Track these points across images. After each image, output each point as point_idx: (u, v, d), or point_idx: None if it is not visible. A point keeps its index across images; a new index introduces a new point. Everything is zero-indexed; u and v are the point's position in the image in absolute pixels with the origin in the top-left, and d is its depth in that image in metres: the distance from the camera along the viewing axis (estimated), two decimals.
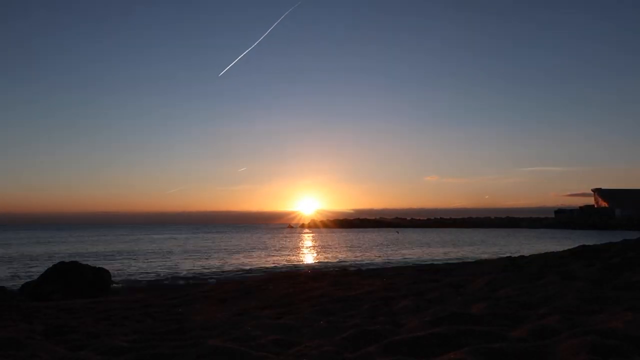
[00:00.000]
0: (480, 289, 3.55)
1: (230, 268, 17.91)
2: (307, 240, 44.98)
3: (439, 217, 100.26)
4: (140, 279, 14.15)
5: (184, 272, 16.18)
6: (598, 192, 78.52)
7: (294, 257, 24.12)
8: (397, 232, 45.78)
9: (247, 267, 18.05)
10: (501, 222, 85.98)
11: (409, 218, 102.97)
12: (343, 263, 18.75)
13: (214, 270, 17.01)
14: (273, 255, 24.69)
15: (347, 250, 27.68)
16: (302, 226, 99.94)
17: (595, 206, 79.95)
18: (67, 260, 9.02)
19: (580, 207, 79.76)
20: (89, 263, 10.10)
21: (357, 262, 19.24)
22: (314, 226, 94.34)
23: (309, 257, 24.39)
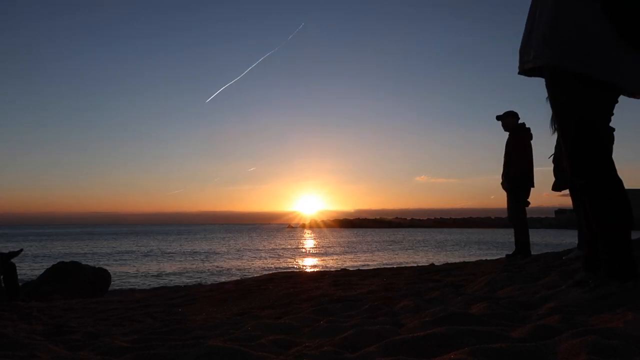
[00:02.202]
0: (480, 289, 3.55)
1: (230, 268, 17.89)
2: (308, 240, 44.94)
3: (439, 217, 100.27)
4: (140, 279, 14.14)
5: (184, 272, 16.15)
6: None
7: (294, 257, 24.09)
8: None
9: (247, 268, 18.03)
10: (501, 222, 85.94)
11: (409, 218, 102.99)
12: (343, 263, 18.73)
13: (214, 270, 16.99)
14: (273, 255, 24.65)
15: (347, 250, 27.66)
16: (303, 226, 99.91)
17: None
18: (67, 260, 9.01)
19: None
20: (89, 263, 10.09)
21: (356, 262, 19.22)
22: (314, 226, 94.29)
23: (308, 256, 24.36)
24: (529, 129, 6.48)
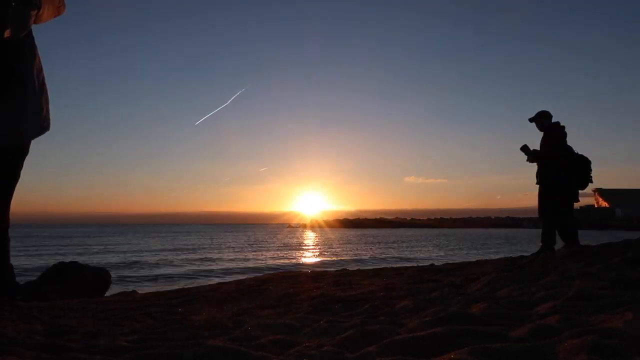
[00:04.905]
0: (480, 289, 3.55)
1: (230, 268, 17.90)
2: (308, 240, 44.95)
3: (439, 217, 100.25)
4: (140, 279, 14.15)
5: (184, 273, 16.17)
6: (598, 192, 78.33)
7: (294, 257, 24.10)
8: None
9: (247, 268, 18.04)
10: (502, 222, 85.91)
11: (409, 218, 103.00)
12: (343, 263, 18.74)
13: (213, 270, 17.01)
14: (273, 255, 24.66)
15: (347, 250, 27.67)
16: (304, 226, 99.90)
17: (595, 206, 79.79)
18: (67, 260, 9.00)
19: (580, 207, 79.50)
20: (89, 263, 10.09)
21: (357, 262, 19.22)
22: (315, 226, 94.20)
23: (308, 257, 24.37)
24: (563, 127, 6.60)
